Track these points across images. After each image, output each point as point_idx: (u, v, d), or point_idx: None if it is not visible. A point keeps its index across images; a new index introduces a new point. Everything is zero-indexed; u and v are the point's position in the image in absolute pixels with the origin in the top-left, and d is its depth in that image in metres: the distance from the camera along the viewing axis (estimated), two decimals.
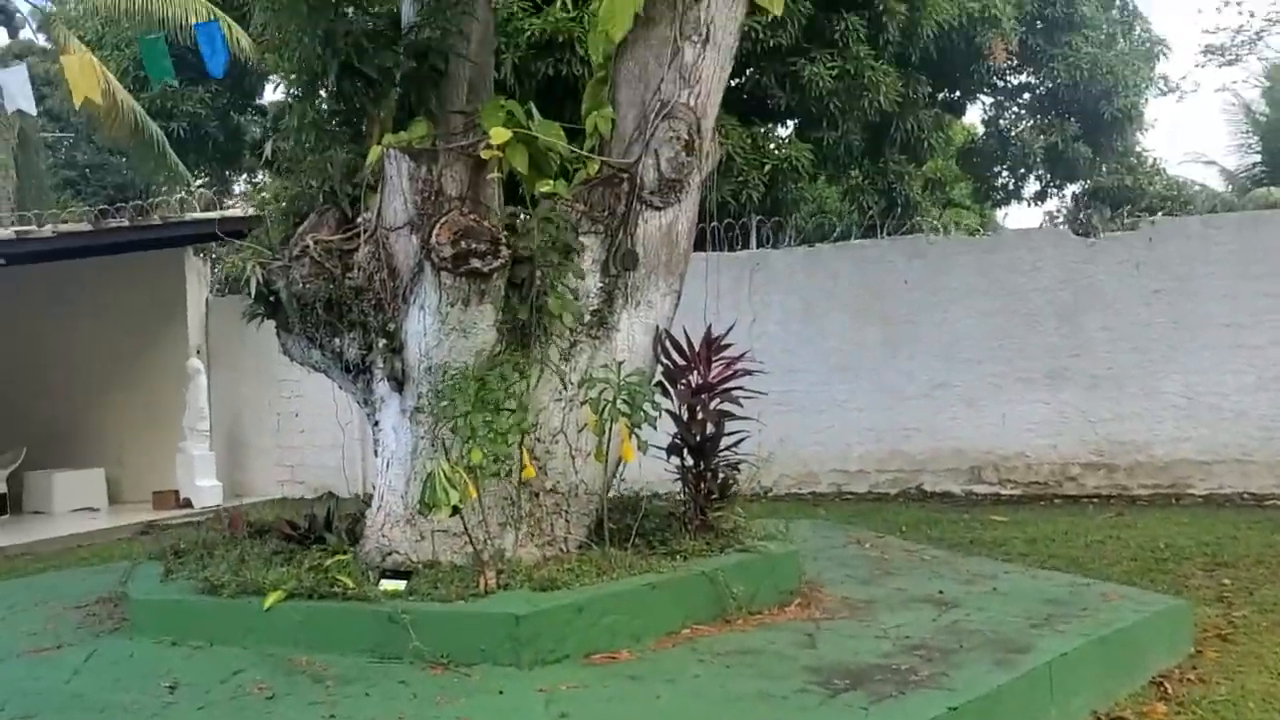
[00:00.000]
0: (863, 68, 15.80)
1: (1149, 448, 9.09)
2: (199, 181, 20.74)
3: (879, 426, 9.82)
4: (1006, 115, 23.95)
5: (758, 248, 10.71)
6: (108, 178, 27.26)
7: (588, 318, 4.89)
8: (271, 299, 5.24)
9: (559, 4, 12.88)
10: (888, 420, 9.80)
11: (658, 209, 4.96)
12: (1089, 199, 23.09)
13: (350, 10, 5.03)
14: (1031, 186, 24.46)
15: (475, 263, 4.47)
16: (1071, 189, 23.84)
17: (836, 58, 15.47)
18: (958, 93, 21.93)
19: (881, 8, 15.67)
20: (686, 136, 4.86)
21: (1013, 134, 23.35)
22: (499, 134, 4.81)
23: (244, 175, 25.37)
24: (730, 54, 5.06)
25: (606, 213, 4.92)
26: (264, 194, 5.40)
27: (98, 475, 11.56)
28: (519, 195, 5.26)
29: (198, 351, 11.69)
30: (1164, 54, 21.84)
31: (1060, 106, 21.12)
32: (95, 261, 11.19)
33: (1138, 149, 22.67)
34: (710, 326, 5.10)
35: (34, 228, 9.16)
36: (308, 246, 4.84)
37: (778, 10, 5.44)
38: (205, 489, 11.24)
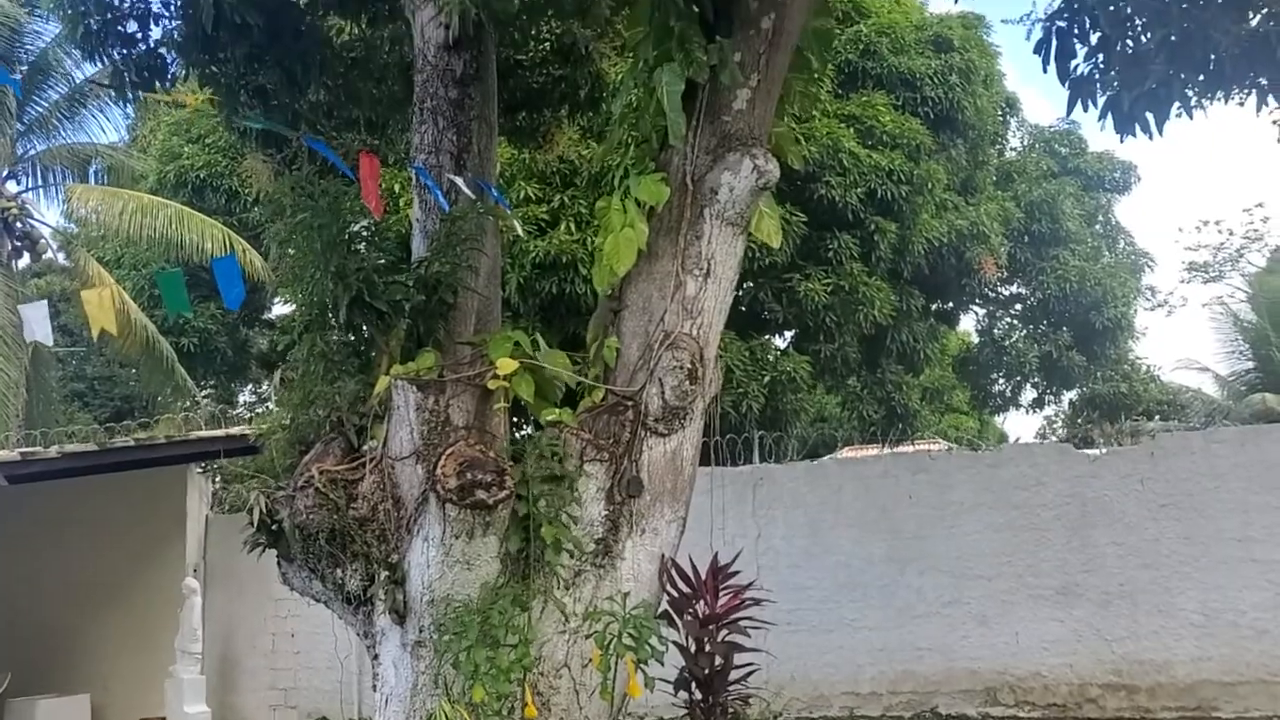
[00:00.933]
0: (856, 283, 16.26)
1: (1169, 668, 8.82)
2: (205, 394, 21.03)
3: (890, 646, 9.57)
4: (1000, 325, 24.49)
5: (760, 462, 10.73)
6: (115, 390, 27.61)
7: (592, 546, 4.84)
8: (274, 528, 5.19)
9: (563, 227, 13.40)
10: (898, 639, 9.56)
11: (662, 435, 4.99)
12: (1086, 406, 23.34)
13: (362, 247, 5.20)
14: (1028, 394, 24.76)
15: (480, 494, 4.47)
16: (1068, 395, 24.13)
17: (831, 274, 15.94)
18: (950, 304, 22.52)
19: (873, 227, 16.25)
20: (690, 365, 4.95)
21: (1007, 343, 23.79)
22: (505, 364, 4.90)
23: (249, 386, 25.72)
24: (731, 286, 5.21)
25: (611, 440, 4.95)
26: (268, 423, 5.42)
27: (83, 702, 11.16)
28: (527, 416, 5.31)
29: (195, 570, 11.51)
30: (1149, 267, 22.55)
31: (1052, 316, 21.61)
32: (98, 478, 11.17)
33: (1131, 356, 23.07)
34: (717, 555, 5.05)
35: (39, 449, 9.20)
36: (313, 477, 4.84)
37: (775, 243, 5.65)
38: (194, 715, 10.83)
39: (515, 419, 5.38)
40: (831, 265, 15.68)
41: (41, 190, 16.25)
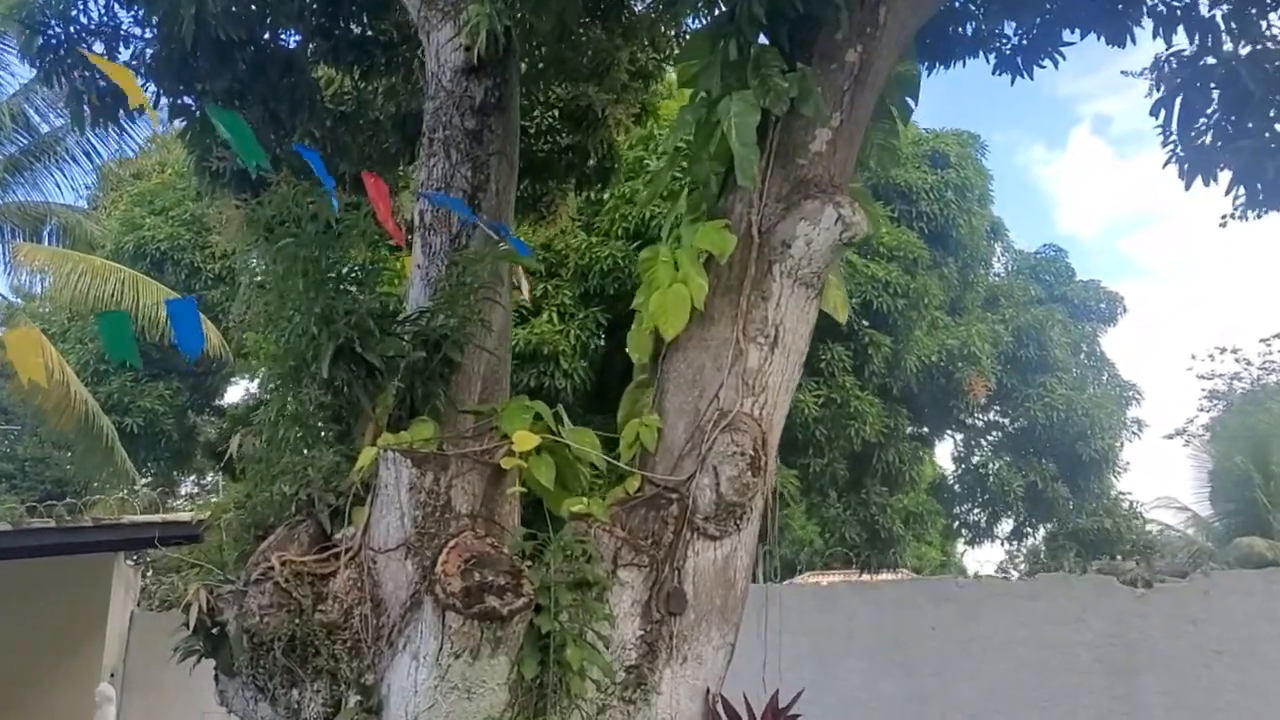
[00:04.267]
0: (849, 397, 15.58)
1: None
2: (144, 481, 19.65)
3: None
4: (979, 452, 23.85)
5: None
6: (48, 472, 26.03)
7: (622, 675, 3.82)
8: (215, 631, 4.11)
9: (545, 316, 12.58)
10: None
11: (713, 538, 4.02)
12: (1067, 541, 22.54)
13: (354, 288, 4.26)
14: (1004, 525, 23.97)
15: (491, 601, 3.44)
16: (1046, 528, 23.35)
17: (823, 386, 15.24)
18: (925, 428, 21.88)
19: (867, 340, 15.64)
20: (752, 453, 4.01)
21: (989, 471, 23.13)
22: (525, 439, 3.93)
23: (193, 477, 24.32)
24: (800, 359, 4.32)
25: (650, 541, 3.97)
26: (220, 500, 4.37)
27: None
28: (535, 515, 4.32)
29: (111, 675, 10.15)
30: (1136, 399, 22.08)
31: (1037, 445, 21.03)
32: (14, 564, 9.88)
33: (1113, 491, 22.43)
34: (777, 692, 4.04)
35: None
36: (271, 568, 3.78)
37: (841, 317, 4.81)
38: None
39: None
40: (824, 377, 15.01)
41: None
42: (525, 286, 5.49)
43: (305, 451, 4.21)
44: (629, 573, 3.90)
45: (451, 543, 3.61)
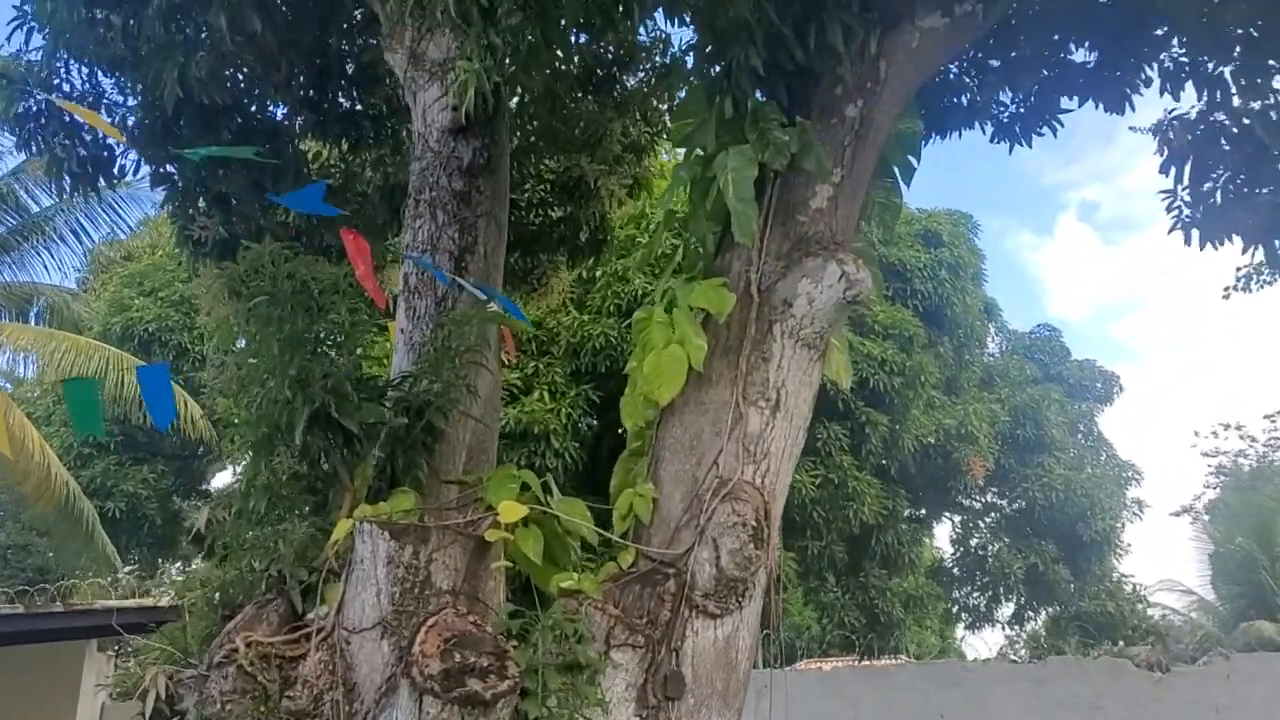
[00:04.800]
0: (846, 477, 15.32)
1: None
2: (127, 568, 19.18)
3: None
4: (978, 534, 23.48)
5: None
6: (29, 560, 25.49)
7: None
8: None
9: (536, 395, 12.36)
10: None
11: (714, 616, 3.74)
12: (1069, 624, 22.06)
13: (332, 352, 4.03)
14: (1004, 609, 23.48)
15: (473, 684, 3.15)
16: (1048, 612, 22.89)
17: (820, 465, 14.99)
18: (923, 510, 21.57)
19: (864, 419, 15.44)
20: (754, 523, 3.75)
21: (987, 553, 22.76)
22: (511, 510, 3.68)
23: (179, 564, 23.84)
24: (804, 425, 4.09)
25: (645, 620, 3.69)
26: (186, 579, 4.09)
27: None
28: (522, 594, 4.04)
29: None
30: (1135, 480, 21.81)
31: (1037, 526, 20.70)
32: None
33: (1115, 574, 22.03)
34: None
35: None
36: (235, 650, 3.49)
37: (845, 384, 4.62)
38: None
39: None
40: (821, 456, 14.78)
41: None
42: (510, 346, 5.26)
43: (277, 525, 3.95)
44: (623, 654, 3.62)
45: (431, 621, 3.33)
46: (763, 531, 3.77)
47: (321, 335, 3.93)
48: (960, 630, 25.54)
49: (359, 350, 4.08)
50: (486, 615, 3.57)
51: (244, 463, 4.55)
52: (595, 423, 12.85)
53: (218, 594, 3.97)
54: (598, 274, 12.31)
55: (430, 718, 3.15)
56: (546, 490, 4.03)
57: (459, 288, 4.50)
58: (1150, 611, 21.70)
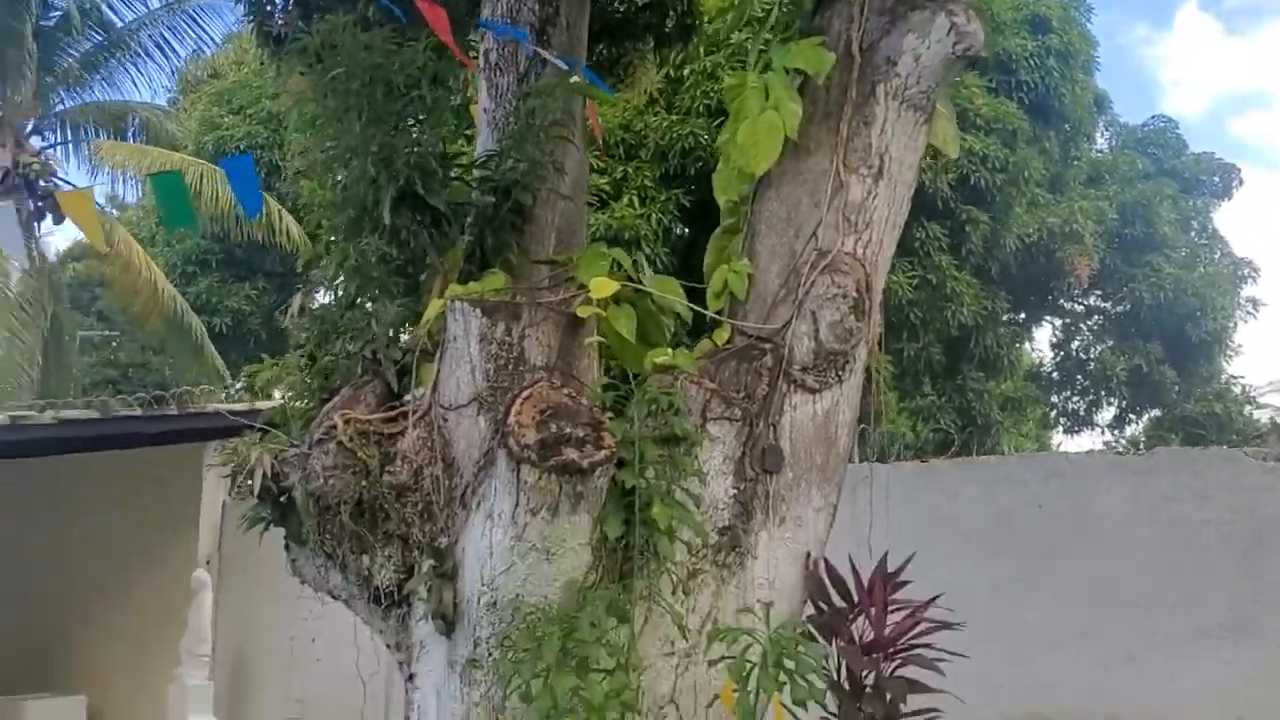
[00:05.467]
0: (945, 278, 14.96)
1: None
2: (239, 385, 19.97)
3: (1009, 682, 8.10)
4: (1079, 337, 22.94)
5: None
6: (149, 377, 26.77)
7: (714, 538, 3.50)
8: (282, 499, 3.91)
9: (625, 200, 12.15)
10: (1020, 675, 8.08)
11: (812, 391, 3.64)
12: (1173, 427, 21.67)
13: (414, 131, 3.90)
14: (1105, 413, 23.11)
15: (570, 453, 3.12)
16: (1150, 415, 22.49)
17: (917, 266, 14.63)
18: (1023, 314, 21.06)
19: (964, 217, 14.94)
20: (855, 295, 3.59)
21: (1090, 356, 22.29)
22: (602, 285, 3.57)
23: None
24: (909, 192, 3.86)
25: (743, 394, 3.61)
26: (283, 362, 4.12)
27: (78, 704, 9.94)
28: (611, 373, 3.99)
29: (207, 563, 10.27)
30: (1252, 278, 20.94)
31: (1143, 328, 20.12)
32: (104, 456, 9.97)
33: (1224, 375, 21.42)
34: (886, 554, 3.70)
35: (32, 412, 7.99)
36: (334, 427, 3.52)
37: (952, 152, 4.35)
38: None
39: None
40: (918, 257, 14.41)
41: (71, 147, 15.18)
42: (596, 124, 5.06)
43: (369, 306, 3.93)
44: (719, 427, 3.55)
45: (526, 394, 3.29)
46: (864, 303, 3.62)
47: (403, 109, 3.79)
48: (1058, 435, 25.34)
49: (444, 129, 3.93)
50: (581, 390, 3.52)
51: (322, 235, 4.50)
52: (687, 229, 12.64)
53: (314, 377, 4.01)
54: (686, 72, 11.85)
55: (528, 486, 3.15)
56: (637, 268, 3.91)
57: (542, 63, 4.30)
58: (1258, 414, 21.14)
